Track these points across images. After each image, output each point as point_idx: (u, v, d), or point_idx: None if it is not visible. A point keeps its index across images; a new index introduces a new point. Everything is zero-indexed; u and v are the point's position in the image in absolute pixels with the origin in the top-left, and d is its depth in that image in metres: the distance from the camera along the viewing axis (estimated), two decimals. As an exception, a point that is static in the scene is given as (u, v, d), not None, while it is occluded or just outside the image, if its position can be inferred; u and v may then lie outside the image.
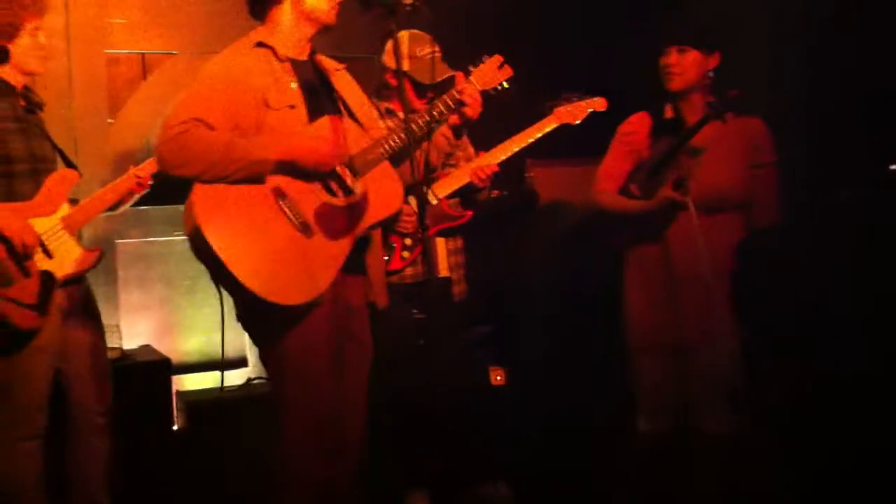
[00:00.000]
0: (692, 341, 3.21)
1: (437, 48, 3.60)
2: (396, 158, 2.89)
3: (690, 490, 3.30)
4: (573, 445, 4.21)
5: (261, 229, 2.63)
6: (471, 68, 3.02)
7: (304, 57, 2.84)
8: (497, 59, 3.05)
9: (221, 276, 2.59)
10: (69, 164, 3.43)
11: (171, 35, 4.62)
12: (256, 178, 2.63)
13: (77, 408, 3.39)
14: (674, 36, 3.22)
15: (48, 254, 3.21)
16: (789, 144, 3.74)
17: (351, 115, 2.87)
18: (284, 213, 2.66)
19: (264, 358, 2.85)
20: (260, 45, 2.75)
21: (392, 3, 2.52)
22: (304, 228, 2.67)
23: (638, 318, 3.35)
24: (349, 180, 2.74)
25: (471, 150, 3.85)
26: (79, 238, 3.36)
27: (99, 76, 4.44)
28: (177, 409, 4.21)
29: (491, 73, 3.03)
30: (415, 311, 3.66)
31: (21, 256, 3.13)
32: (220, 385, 4.37)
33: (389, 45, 3.63)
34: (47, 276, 3.19)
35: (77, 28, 4.37)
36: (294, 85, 2.75)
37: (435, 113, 2.91)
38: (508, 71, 3.06)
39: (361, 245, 2.83)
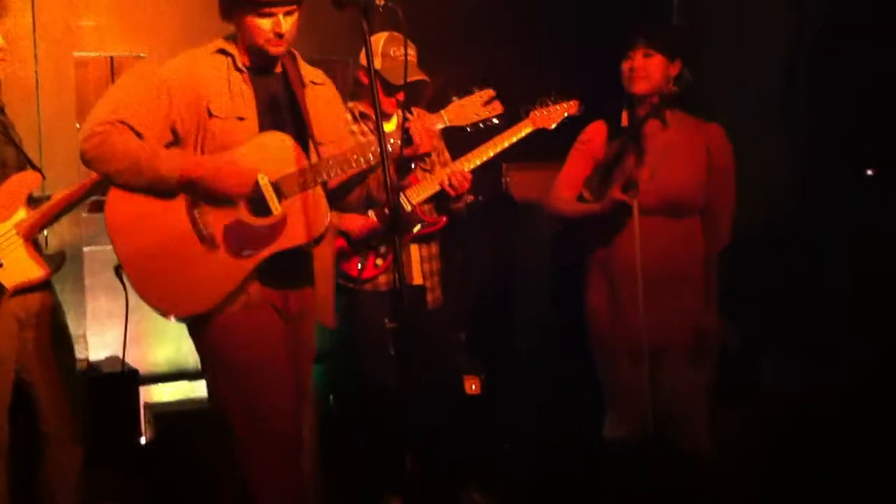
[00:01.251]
0: (654, 345, 3.23)
1: (411, 51, 3.59)
2: (345, 184, 2.89)
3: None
4: (549, 452, 4.19)
5: (163, 236, 2.66)
6: (454, 99, 2.96)
7: (272, 69, 2.80)
8: (488, 93, 2.99)
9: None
10: (33, 167, 3.34)
11: (139, 37, 4.57)
12: (166, 191, 2.66)
13: (44, 420, 3.31)
14: (640, 38, 3.24)
15: None
16: (778, 147, 3.78)
17: (308, 133, 2.79)
18: (193, 222, 2.67)
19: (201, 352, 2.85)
20: (221, 52, 2.75)
21: (364, 3, 2.48)
22: (209, 241, 2.67)
23: (597, 322, 3.37)
24: (270, 202, 2.66)
25: (446, 155, 3.82)
26: (37, 245, 3.25)
27: (67, 79, 4.37)
28: (145, 421, 4.13)
29: (474, 108, 2.97)
30: (387, 319, 3.61)
31: None
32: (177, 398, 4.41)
33: (365, 48, 3.58)
34: None
35: (44, 30, 4.29)
36: (248, 96, 2.72)
37: (376, 149, 2.75)
38: (497, 107, 3.00)
39: (304, 259, 2.80)
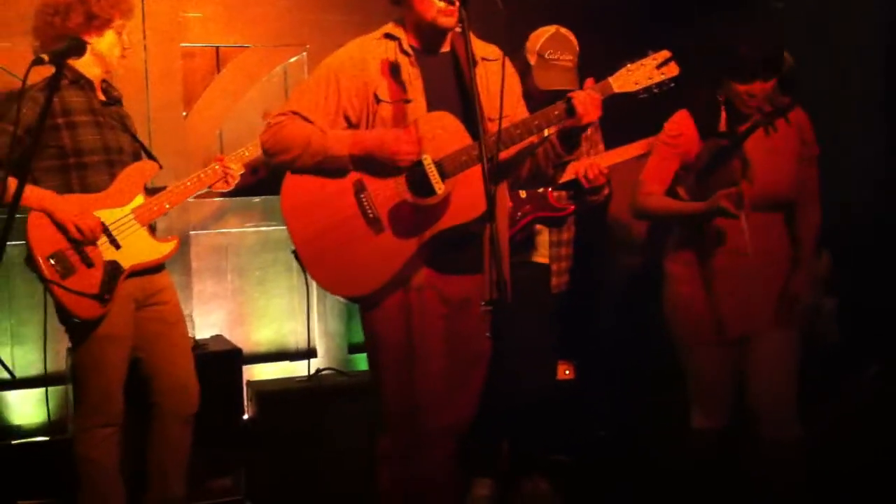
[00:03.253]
0: (745, 333, 3.24)
1: (570, 55, 3.58)
2: (507, 162, 2.81)
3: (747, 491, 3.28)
4: (629, 441, 4.20)
5: (332, 219, 2.76)
6: (627, 64, 2.74)
7: (439, 48, 2.83)
8: (663, 54, 2.76)
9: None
10: (150, 157, 3.49)
11: (245, 29, 4.66)
12: (340, 171, 2.76)
13: (158, 398, 3.44)
14: (761, 70, 3.11)
15: (115, 244, 3.27)
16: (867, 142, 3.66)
17: (478, 111, 2.67)
18: (360, 205, 2.76)
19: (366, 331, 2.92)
20: (387, 36, 2.81)
21: None
22: (374, 223, 2.75)
23: (686, 313, 3.34)
24: (434, 181, 2.70)
25: (601, 146, 3.80)
26: (152, 229, 3.41)
27: (174, 70, 4.50)
28: (247, 399, 4.26)
29: (646, 71, 2.74)
30: (483, 302, 3.62)
31: (80, 245, 3.19)
32: (279, 377, 4.49)
33: (531, 38, 3.65)
34: (112, 267, 3.25)
35: (153, 22, 4.44)
36: (415, 77, 2.76)
37: (538, 123, 2.73)
38: (673, 69, 2.75)
39: (473, 242, 2.77)
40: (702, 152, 3.27)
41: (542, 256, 3.80)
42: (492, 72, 2.83)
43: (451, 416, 2.88)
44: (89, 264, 3.22)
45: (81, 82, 3.31)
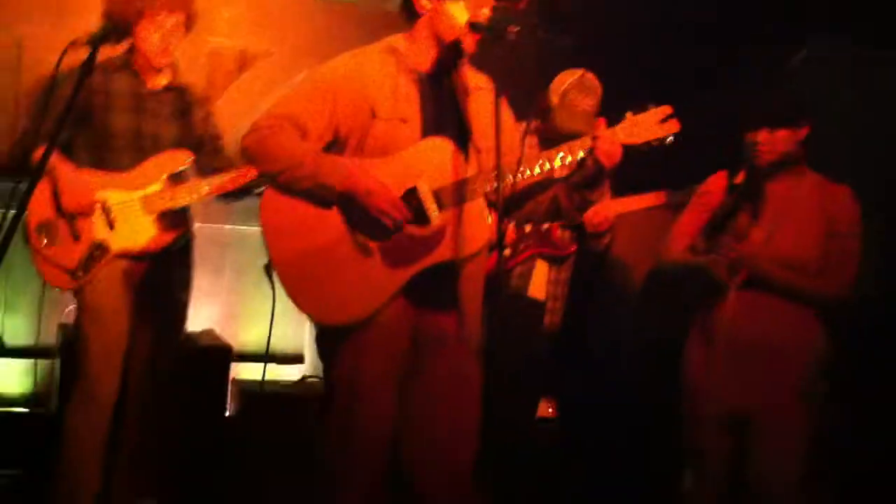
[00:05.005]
0: (752, 413, 3.13)
1: (592, 100, 3.62)
2: (515, 198, 2.69)
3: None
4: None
5: (318, 240, 2.58)
6: (628, 115, 2.67)
7: (441, 71, 2.69)
8: (664, 110, 2.65)
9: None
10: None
11: (272, 34, 4.73)
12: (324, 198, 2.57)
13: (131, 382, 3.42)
14: (766, 117, 3.13)
15: (110, 225, 3.30)
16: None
17: (469, 140, 2.65)
18: (348, 229, 2.59)
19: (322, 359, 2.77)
20: (389, 50, 2.67)
21: (498, 30, 2.52)
22: (363, 248, 2.58)
23: (689, 381, 3.27)
24: (429, 209, 2.57)
25: (608, 193, 3.76)
26: (162, 218, 3.39)
27: (199, 64, 4.56)
28: (231, 396, 4.29)
29: (649, 125, 2.65)
30: None
31: (72, 217, 3.25)
32: (265, 378, 4.39)
33: (557, 79, 3.69)
34: (97, 246, 3.28)
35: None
36: (413, 97, 2.64)
37: (551, 162, 2.63)
38: (674, 125, 2.65)
39: (447, 276, 2.63)
40: (722, 205, 3.25)
41: (537, 291, 3.83)
42: (484, 101, 2.68)
43: (446, 466, 2.66)
44: (76, 238, 3.27)
45: (123, 66, 3.36)
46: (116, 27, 2.64)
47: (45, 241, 3.24)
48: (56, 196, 3.25)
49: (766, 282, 3.12)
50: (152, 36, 3.32)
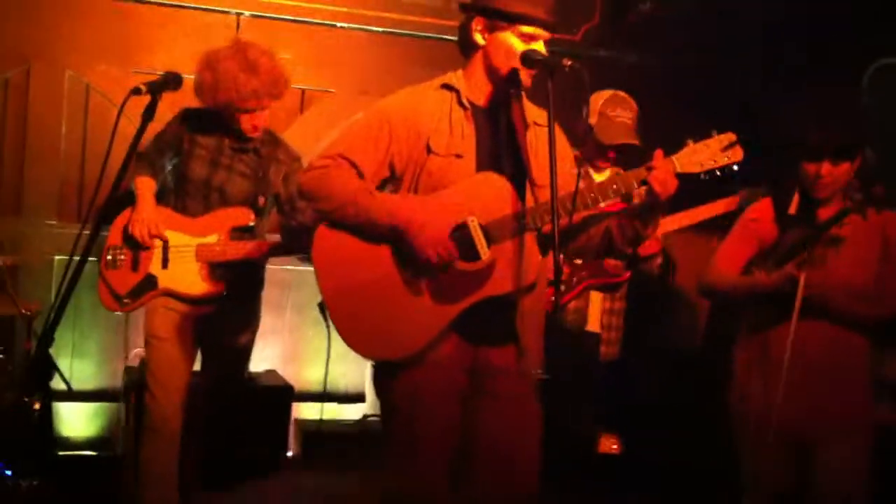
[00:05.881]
0: (814, 436, 3.08)
1: (630, 113, 3.64)
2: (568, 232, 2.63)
3: None
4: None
5: (368, 276, 2.59)
6: (689, 142, 2.61)
7: (498, 106, 2.69)
8: (727, 137, 2.59)
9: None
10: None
11: (331, 73, 4.78)
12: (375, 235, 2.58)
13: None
14: (831, 150, 3.05)
15: (165, 263, 3.42)
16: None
17: (528, 175, 2.64)
18: (397, 265, 2.59)
19: (379, 397, 2.78)
20: (445, 86, 2.67)
21: (552, 64, 2.51)
22: (413, 284, 2.58)
23: (744, 406, 3.21)
24: (479, 245, 2.56)
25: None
26: (211, 268, 3.42)
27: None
28: (293, 436, 4.30)
29: (711, 153, 2.59)
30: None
31: (137, 247, 3.40)
32: (327, 417, 4.50)
33: (590, 101, 3.68)
34: (149, 279, 3.42)
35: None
36: (468, 133, 2.63)
37: (604, 195, 2.59)
38: (737, 153, 2.60)
39: (503, 312, 2.61)
40: (782, 238, 3.19)
41: (594, 325, 3.80)
42: (541, 137, 2.66)
43: (511, 500, 2.64)
44: (135, 268, 3.42)
45: (212, 125, 3.45)
46: (176, 76, 2.69)
47: (110, 263, 3.41)
48: (129, 222, 3.41)
49: (828, 308, 3.06)
50: (246, 120, 3.41)
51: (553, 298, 2.51)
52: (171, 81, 2.64)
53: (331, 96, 4.82)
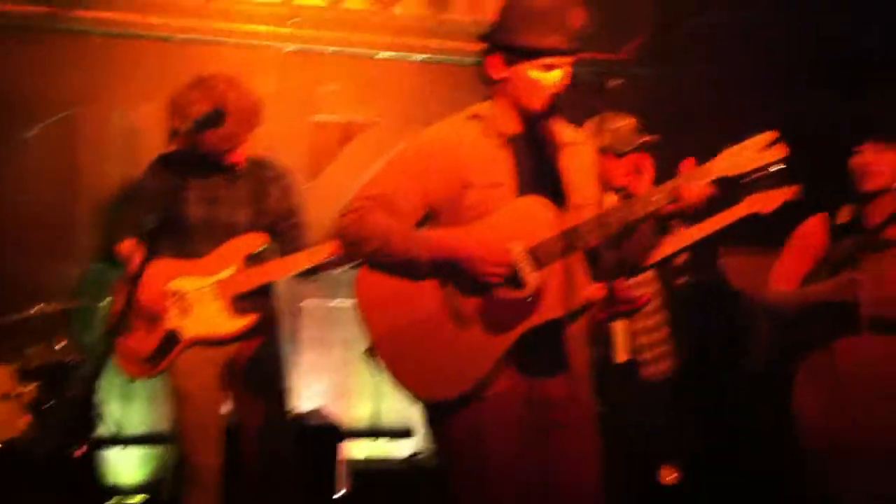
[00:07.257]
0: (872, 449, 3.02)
1: (630, 120, 3.56)
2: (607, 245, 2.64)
3: None
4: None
5: (415, 313, 2.55)
6: (724, 151, 2.54)
7: (530, 129, 2.65)
8: (766, 136, 2.52)
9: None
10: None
11: (375, 104, 4.74)
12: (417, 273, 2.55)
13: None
14: (871, 132, 3.03)
15: (185, 311, 3.30)
16: None
17: (563, 196, 2.61)
18: (444, 299, 2.55)
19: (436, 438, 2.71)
20: (474, 117, 2.65)
21: (599, 84, 2.46)
22: (461, 318, 2.53)
23: (810, 424, 3.17)
24: (525, 272, 2.49)
25: (681, 227, 3.69)
26: (235, 301, 3.36)
27: (301, 141, 4.59)
28: (342, 476, 4.21)
29: (749, 155, 2.51)
30: None
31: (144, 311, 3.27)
32: (377, 455, 4.45)
33: (590, 124, 3.61)
34: (168, 336, 3.29)
35: (288, 94, 4.55)
36: (504, 161, 2.60)
37: (657, 197, 2.54)
38: (780, 150, 2.51)
39: (551, 339, 2.57)
40: (834, 250, 3.15)
41: (623, 354, 3.63)
42: (577, 155, 2.69)
43: None
44: (151, 329, 3.30)
45: (203, 166, 3.38)
46: (218, 114, 2.66)
47: (121, 332, 3.25)
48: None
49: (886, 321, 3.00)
50: (230, 156, 3.37)
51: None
52: (214, 118, 2.62)
53: (375, 127, 4.77)
